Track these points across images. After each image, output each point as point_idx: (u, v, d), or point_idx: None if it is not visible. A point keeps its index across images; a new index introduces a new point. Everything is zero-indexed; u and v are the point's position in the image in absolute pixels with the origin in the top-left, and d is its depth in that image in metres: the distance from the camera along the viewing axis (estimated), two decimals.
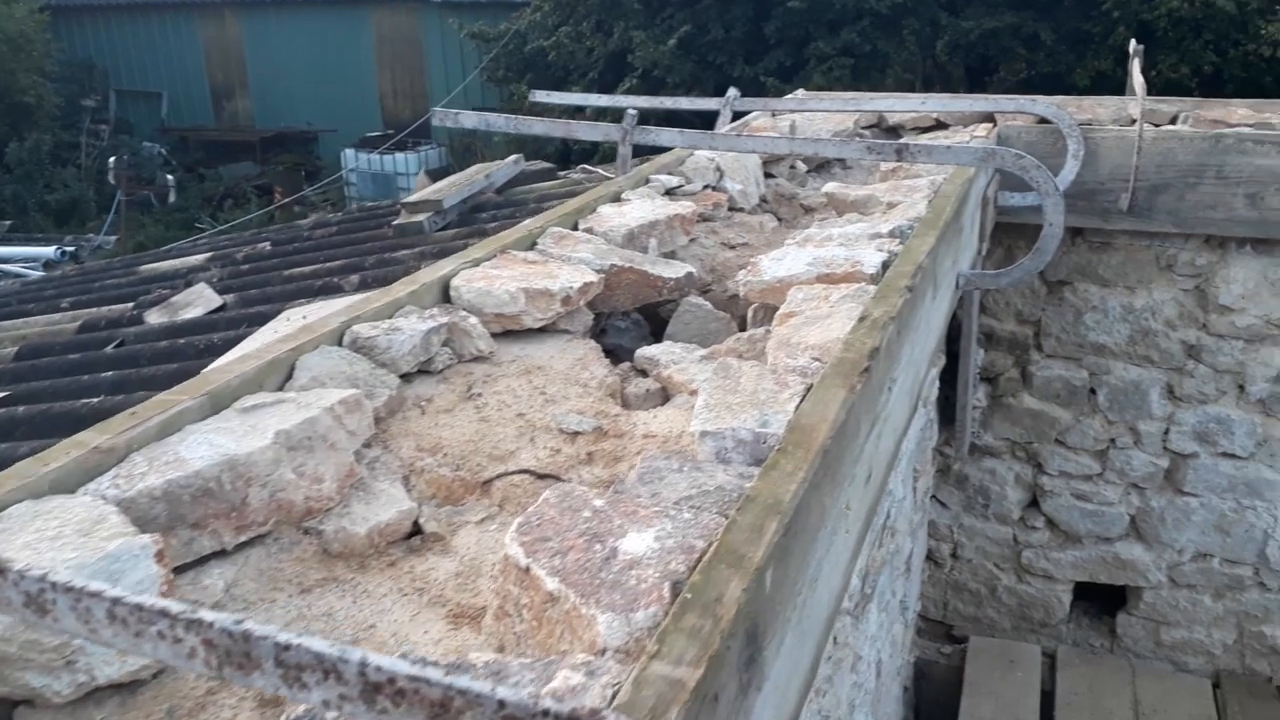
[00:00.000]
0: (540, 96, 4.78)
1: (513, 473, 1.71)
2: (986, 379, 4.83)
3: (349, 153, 17.71)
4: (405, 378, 1.96)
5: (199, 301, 3.86)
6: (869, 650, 2.92)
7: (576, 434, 1.84)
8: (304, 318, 3.06)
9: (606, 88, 13.33)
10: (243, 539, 1.47)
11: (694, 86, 12.80)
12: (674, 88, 12.80)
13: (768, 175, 3.96)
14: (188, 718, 1.17)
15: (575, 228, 2.83)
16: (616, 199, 3.12)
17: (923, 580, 4.92)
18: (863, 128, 4.72)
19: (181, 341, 3.23)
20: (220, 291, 3.88)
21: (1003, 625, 5.12)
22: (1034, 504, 4.96)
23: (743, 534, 1.20)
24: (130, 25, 21.73)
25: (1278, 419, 4.44)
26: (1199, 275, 4.37)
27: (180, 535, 1.42)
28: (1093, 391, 4.67)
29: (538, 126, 3.38)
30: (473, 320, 2.11)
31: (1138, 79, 4.29)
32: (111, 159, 16.51)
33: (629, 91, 12.79)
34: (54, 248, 12.50)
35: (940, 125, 4.67)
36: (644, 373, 2.25)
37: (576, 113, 11.18)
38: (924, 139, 4.34)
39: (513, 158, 5.05)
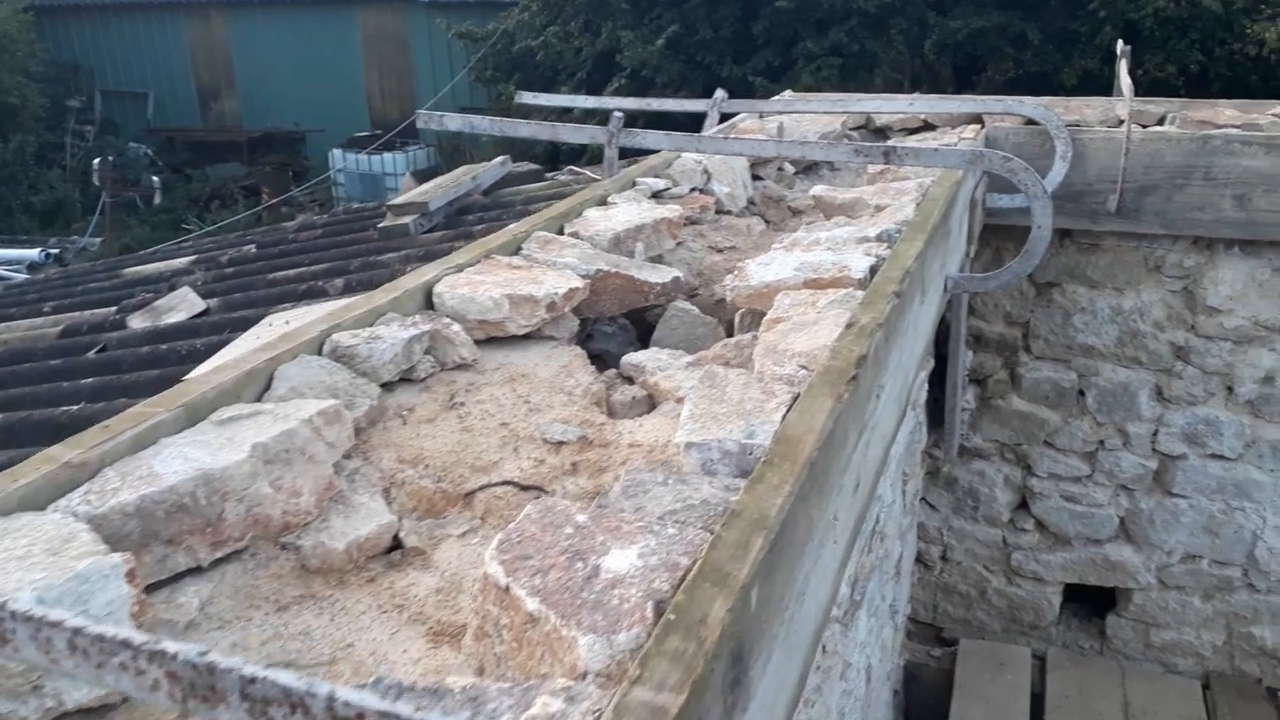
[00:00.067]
0: (527, 98, 4.74)
1: (496, 484, 1.68)
2: (975, 381, 4.81)
3: (336, 153, 17.64)
4: (387, 387, 1.93)
5: (182, 306, 3.83)
6: (858, 657, 2.90)
7: (561, 444, 1.81)
8: (287, 323, 3.03)
9: (595, 88, 13.30)
10: (218, 555, 1.44)
11: (682, 86, 12.78)
12: (662, 87, 12.78)
13: (755, 177, 3.93)
14: None
15: (561, 232, 2.80)
16: (603, 202, 3.09)
17: (912, 583, 4.91)
18: (850, 129, 4.70)
19: (164, 347, 3.20)
20: (204, 295, 3.84)
21: (993, 627, 5.11)
22: (1023, 506, 4.95)
23: (728, 550, 1.17)
24: (115, 25, 21.61)
25: (1266, 420, 4.44)
26: (1187, 277, 4.36)
27: (154, 552, 1.39)
28: (1081, 393, 4.67)
29: (523, 129, 3.35)
30: (456, 327, 2.08)
31: (1125, 80, 4.28)
32: (96, 160, 16.41)
33: (617, 91, 12.76)
34: (38, 250, 12.41)
35: (928, 126, 4.65)
36: (630, 380, 2.22)
37: (564, 114, 11.17)
38: (912, 140, 4.32)
39: (499, 159, 5.01)
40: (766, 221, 3.64)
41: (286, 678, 0.72)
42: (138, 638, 0.82)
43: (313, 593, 1.43)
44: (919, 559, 5.09)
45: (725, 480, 1.47)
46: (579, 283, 2.37)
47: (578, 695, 0.95)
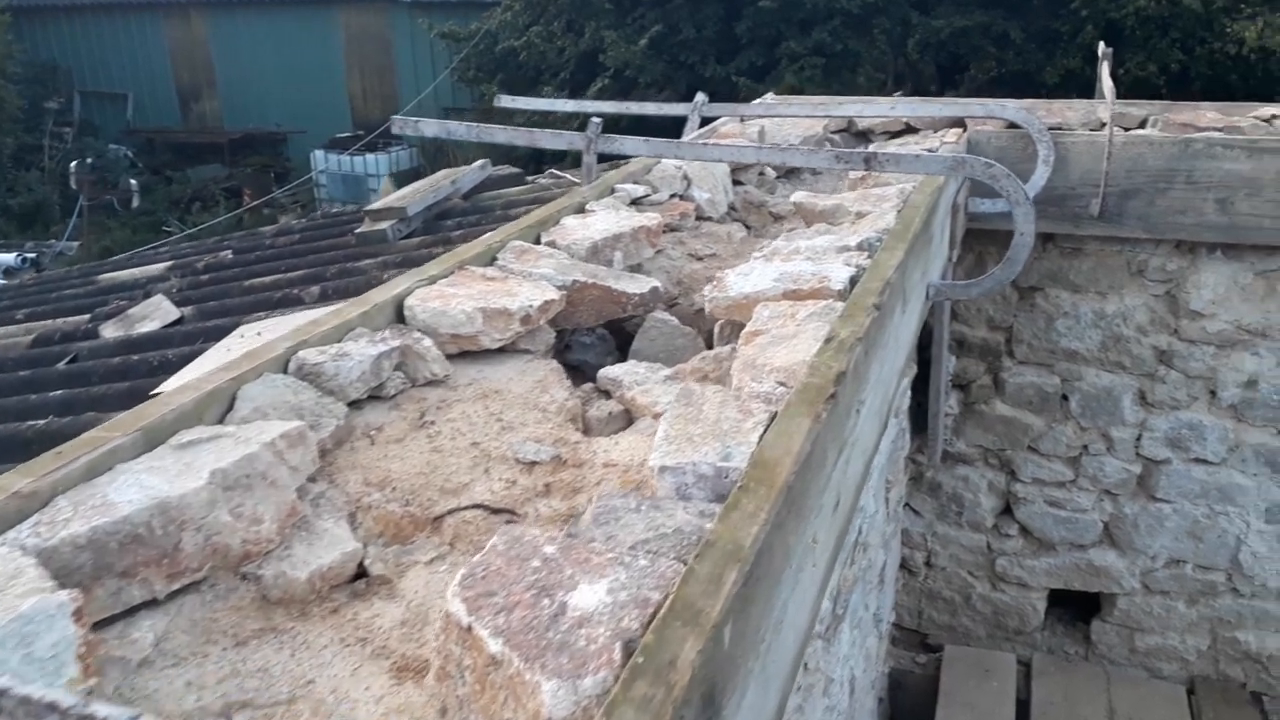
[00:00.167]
0: (505, 102, 4.69)
1: (465, 508, 1.63)
2: (958, 386, 4.79)
3: (318, 154, 17.51)
4: (355, 405, 1.88)
5: (156, 314, 3.77)
6: (841, 671, 2.86)
7: (534, 464, 1.77)
8: (258, 334, 2.97)
9: (578, 88, 13.24)
10: (175, 587, 1.38)
11: (666, 86, 12.74)
12: (646, 88, 12.73)
13: (736, 182, 3.89)
14: None
15: (538, 241, 2.75)
16: (581, 210, 3.05)
17: (897, 589, 4.88)
18: (832, 132, 4.67)
19: (135, 358, 3.14)
20: (179, 303, 3.79)
21: (977, 633, 5.09)
22: (1007, 511, 4.93)
23: (700, 585, 1.13)
24: (94, 26, 21.42)
25: (1249, 425, 4.43)
26: (1170, 281, 4.34)
27: (107, 585, 1.33)
28: (1065, 398, 4.65)
29: (500, 135, 3.30)
30: (427, 342, 2.03)
31: (1107, 83, 4.26)
32: (73, 163, 16.23)
33: (601, 91, 12.70)
34: (14, 254, 12.27)
35: (910, 129, 4.62)
36: (607, 394, 2.18)
37: (546, 115, 11.10)
38: (893, 144, 4.29)
39: (479, 163, 4.96)
40: (747, 227, 3.60)
41: None
42: (65, 700, 0.77)
43: (273, 625, 1.38)
44: (903, 565, 5.06)
45: (700, 505, 1.43)
46: (555, 294, 2.32)
47: None
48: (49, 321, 3.93)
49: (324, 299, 3.49)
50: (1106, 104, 4.16)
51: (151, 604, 1.37)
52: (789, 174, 4.17)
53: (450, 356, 2.11)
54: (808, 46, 12.13)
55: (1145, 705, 4.68)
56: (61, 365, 3.34)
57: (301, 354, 1.85)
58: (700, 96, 4.39)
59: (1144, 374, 4.50)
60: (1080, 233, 4.25)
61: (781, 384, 1.79)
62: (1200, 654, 4.81)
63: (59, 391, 2.91)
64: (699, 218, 3.48)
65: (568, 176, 4.91)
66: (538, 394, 2.04)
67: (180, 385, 1.73)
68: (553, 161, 10.08)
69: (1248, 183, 3.93)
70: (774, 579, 1.35)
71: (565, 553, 1.23)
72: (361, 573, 1.51)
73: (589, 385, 2.21)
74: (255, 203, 16.44)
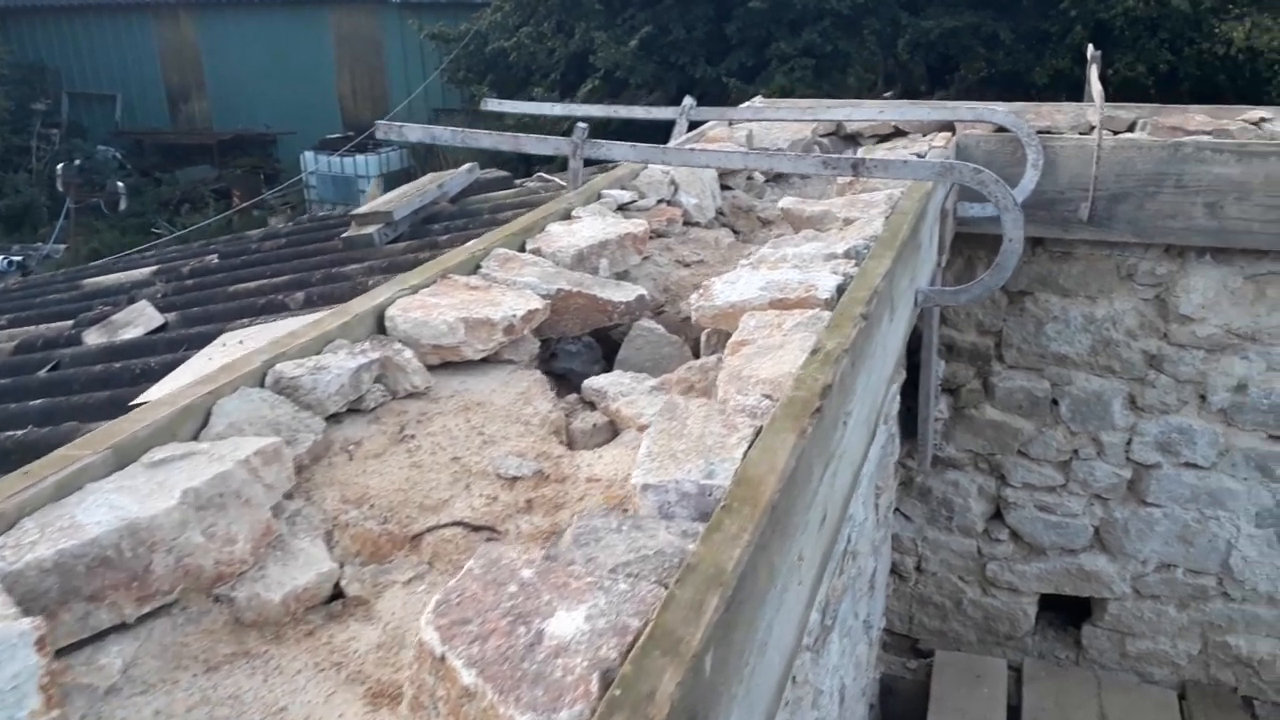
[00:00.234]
0: (492, 105, 4.65)
1: (445, 525, 1.60)
2: (948, 390, 4.77)
3: (309, 155, 17.45)
4: (334, 418, 1.85)
5: (140, 320, 3.73)
6: (830, 681, 2.84)
7: (515, 479, 1.74)
8: (240, 343, 2.94)
9: (569, 89, 13.21)
10: (145, 610, 1.35)
11: (656, 87, 12.71)
12: (636, 89, 12.70)
13: (724, 187, 3.86)
14: None
15: (523, 248, 2.72)
16: (566, 216, 3.02)
17: (887, 595, 4.86)
18: (821, 135, 4.64)
19: (117, 365, 3.11)
20: (163, 308, 3.76)
21: (968, 638, 5.07)
22: (998, 516, 4.91)
23: (681, 612, 1.10)
24: (82, 27, 21.31)
25: (1239, 429, 4.42)
26: (1159, 285, 4.33)
27: (75, 609, 1.30)
28: (1055, 402, 4.63)
29: (484, 140, 3.27)
30: (408, 354, 2.00)
31: (1095, 86, 4.24)
32: (60, 166, 16.14)
33: (591, 92, 12.67)
34: (1, 257, 12.19)
35: (900, 133, 4.60)
36: (592, 405, 2.15)
37: (535, 118, 11.07)
38: (882, 148, 4.27)
39: (466, 166, 4.93)
40: (735, 232, 3.57)
41: None
42: None
43: (246, 649, 1.35)
44: (894, 570, 5.05)
45: (683, 525, 1.40)
46: (539, 303, 2.29)
47: None
48: (32, 327, 3.90)
49: (309, 305, 3.46)
50: (1095, 107, 4.14)
51: (121, 628, 1.34)
52: (777, 178, 4.15)
53: (432, 368, 2.08)
54: (798, 47, 12.12)
55: (1136, 710, 4.67)
56: (43, 373, 3.30)
57: (279, 367, 1.82)
58: (688, 100, 4.36)
59: (1134, 378, 4.49)
60: (1069, 237, 4.24)
61: (767, 396, 1.76)
62: (1191, 658, 4.80)
63: (39, 400, 2.88)
64: (686, 223, 3.45)
65: (556, 180, 4.88)
66: (521, 406, 2.01)
67: (154, 400, 1.70)
68: (542, 164, 10.05)
69: (1237, 187, 3.92)
70: (758, 600, 1.32)
71: (543, 577, 1.20)
72: (338, 593, 1.48)
73: (573, 396, 2.18)
74: (245, 204, 16.37)
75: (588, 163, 3.50)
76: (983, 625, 5.06)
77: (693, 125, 4.41)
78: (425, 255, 3.60)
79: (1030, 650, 5.03)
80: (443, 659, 1.06)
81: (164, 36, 21.12)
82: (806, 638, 2.39)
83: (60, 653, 1.26)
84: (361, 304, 2.14)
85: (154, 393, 2.59)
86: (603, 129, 11.00)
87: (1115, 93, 9.27)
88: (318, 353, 1.92)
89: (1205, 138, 4.08)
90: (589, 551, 1.30)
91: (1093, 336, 4.47)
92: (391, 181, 14.18)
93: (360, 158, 16.84)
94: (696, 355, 2.46)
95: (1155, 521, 4.65)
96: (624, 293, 2.55)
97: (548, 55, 13.47)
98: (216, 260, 4.58)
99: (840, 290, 2.25)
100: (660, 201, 3.47)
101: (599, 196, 3.28)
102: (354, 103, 20.04)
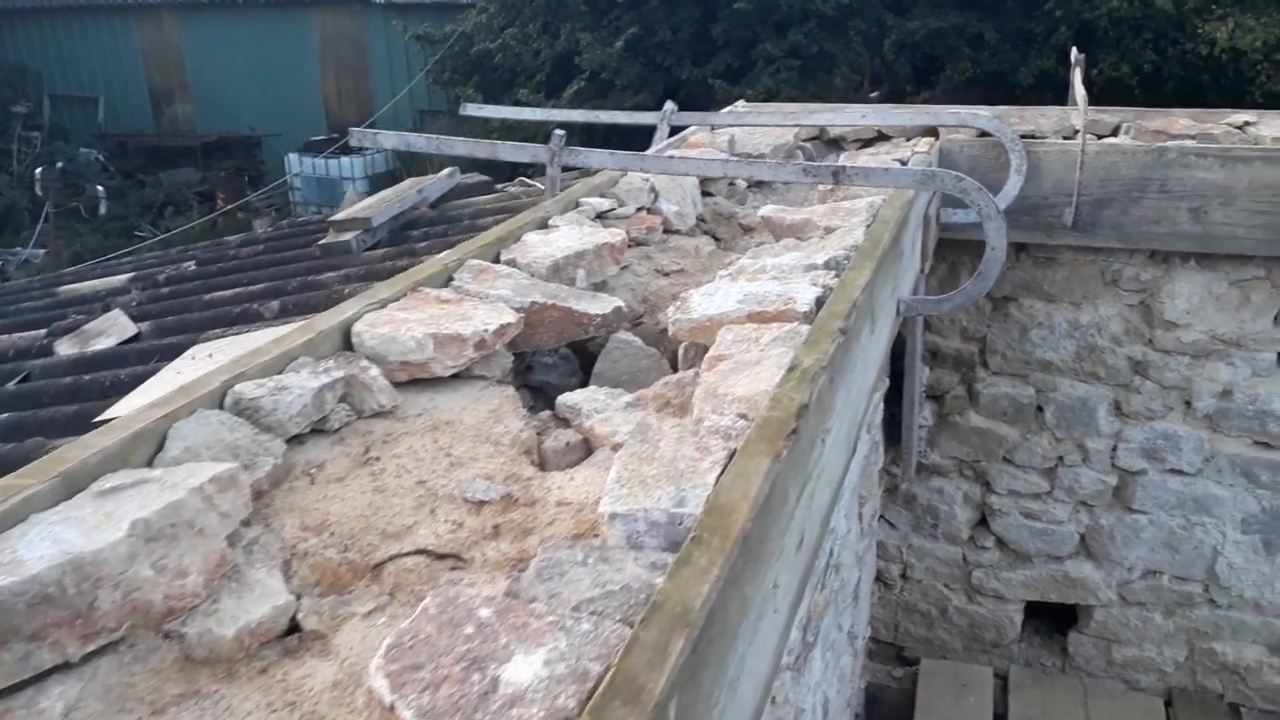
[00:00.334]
0: (472, 110, 4.60)
1: (407, 554, 1.55)
2: (932, 397, 4.73)
3: (293, 157, 17.35)
4: (297, 439, 1.79)
5: (112, 330, 3.68)
6: (813, 698, 2.79)
7: (483, 503, 1.69)
8: (209, 355, 2.89)
9: (554, 90, 13.15)
10: (90, 649, 1.29)
11: (642, 88, 12.67)
12: (622, 90, 12.66)
13: (706, 193, 3.82)
14: None
15: (498, 259, 2.67)
16: (543, 225, 2.96)
17: (872, 603, 4.82)
18: (804, 140, 4.60)
19: (87, 378, 3.06)
20: (138, 317, 3.71)
21: (954, 646, 5.04)
22: (983, 523, 4.88)
23: (644, 656, 1.05)
24: (64, 28, 21.15)
25: (1224, 435, 4.39)
26: (1144, 290, 4.30)
27: (14, 649, 1.24)
28: (1040, 409, 4.60)
29: (460, 147, 3.21)
30: (374, 372, 1.94)
31: (1079, 90, 4.21)
32: (39, 170, 15.99)
33: (577, 94, 12.62)
34: None
35: (883, 137, 4.56)
36: (566, 422, 2.10)
37: (521, 121, 10.97)
38: (865, 153, 4.23)
39: (446, 171, 4.88)
40: (716, 240, 3.52)
41: None
42: None
43: (196, 689, 1.30)
44: (879, 578, 5.01)
45: (652, 555, 1.35)
46: (512, 317, 2.24)
47: None
48: (4, 336, 3.84)
49: (283, 314, 3.41)
50: (1079, 111, 4.11)
51: (64, 668, 1.28)
52: (760, 184, 4.10)
53: (400, 385, 2.02)
54: (783, 49, 12.10)
55: (1123, 717, 4.65)
56: (12, 385, 3.24)
57: (239, 388, 1.76)
58: (669, 105, 4.31)
59: (1119, 384, 4.46)
60: (1054, 242, 4.20)
61: (742, 416, 1.71)
62: (1178, 665, 4.77)
63: (6, 414, 2.82)
64: (667, 231, 3.40)
65: (537, 185, 4.83)
66: (491, 425, 1.96)
67: (107, 425, 1.64)
68: (525, 168, 10.00)
69: (1221, 192, 3.89)
70: (729, 636, 1.27)
71: (502, 616, 1.15)
72: (295, 626, 1.43)
73: (546, 414, 2.12)
74: (229, 207, 16.27)
75: (568, 169, 3.45)
76: (968, 633, 5.02)
77: (674, 130, 4.36)
78: (403, 263, 3.55)
79: (1016, 658, 5.00)
80: (392, 709, 1.01)
81: (147, 38, 20.98)
82: (787, 657, 2.34)
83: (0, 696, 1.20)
84: (327, 320, 2.08)
85: (119, 409, 2.53)
86: (589, 132, 10.96)
87: (1100, 93, 9.28)
88: (280, 372, 1.87)
89: (1189, 142, 4.06)
90: (552, 587, 1.25)
91: (1078, 342, 4.44)
92: (377, 184, 14.11)
93: (345, 160, 16.75)
94: (675, 368, 2.41)
95: (1141, 528, 4.62)
96: (600, 304, 2.50)
97: (533, 57, 13.41)
98: (194, 267, 4.52)
99: (819, 303, 2.21)
100: (640, 209, 3.42)
101: (577, 205, 3.23)
102: (339, 105, 19.95)
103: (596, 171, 3.63)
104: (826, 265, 2.47)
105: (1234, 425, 4.37)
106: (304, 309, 3.33)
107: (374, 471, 1.74)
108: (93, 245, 14.84)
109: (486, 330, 2.13)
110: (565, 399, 2.12)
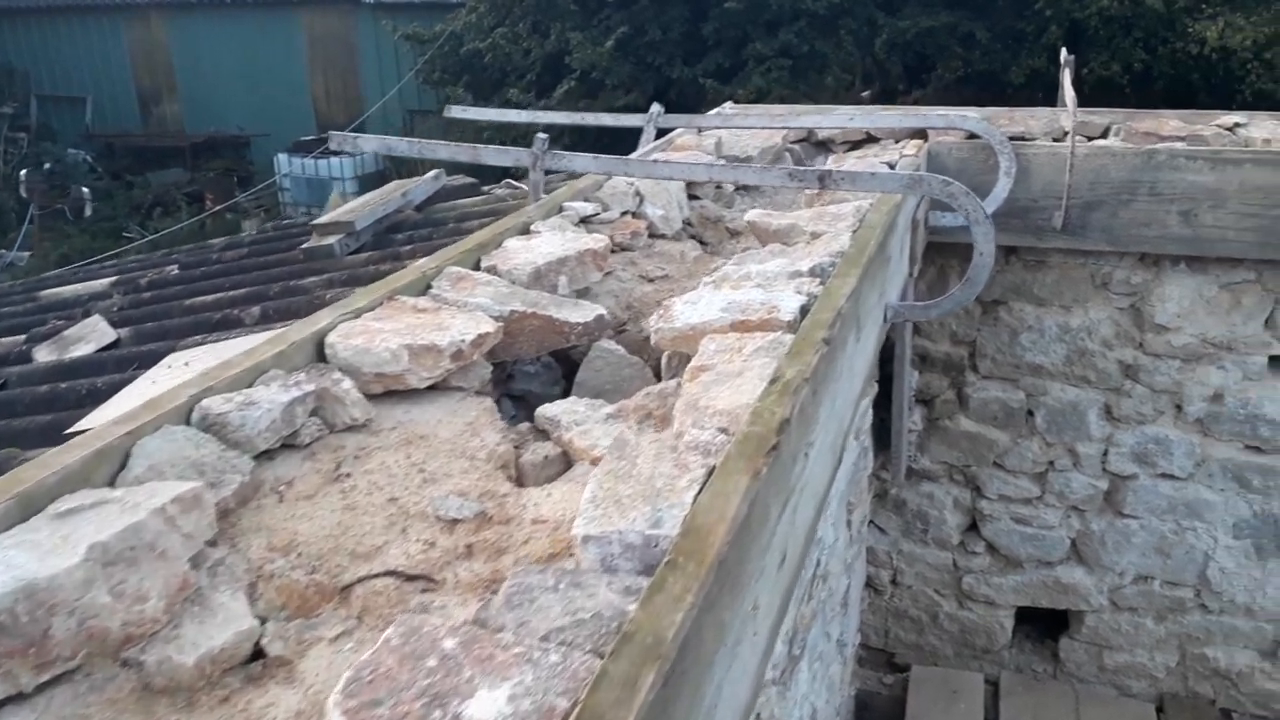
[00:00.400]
0: (456, 113, 4.55)
1: (377, 575, 1.50)
2: (922, 401, 4.70)
3: (282, 157, 17.28)
4: (266, 455, 1.74)
5: (92, 336, 3.63)
6: (800, 711, 2.75)
7: (456, 521, 1.64)
8: (186, 364, 2.84)
9: (544, 89, 13.10)
10: (45, 678, 1.25)
11: (633, 88, 12.62)
12: (613, 90, 12.61)
13: (692, 197, 3.78)
14: None
15: (478, 266, 2.62)
16: (525, 231, 2.92)
17: (862, 609, 4.78)
18: (792, 142, 4.56)
19: (63, 386, 3.00)
20: (118, 323, 3.65)
21: (945, 652, 5.01)
22: (973, 528, 4.85)
23: (613, 691, 1.01)
24: (51, 28, 21.04)
25: (1215, 439, 4.37)
26: (1134, 294, 4.27)
27: None
28: (1030, 413, 4.57)
29: (442, 151, 3.17)
30: (346, 384, 1.90)
31: (1069, 92, 4.18)
32: (24, 171, 15.89)
33: (568, 94, 12.56)
34: None
35: (872, 139, 4.52)
36: (545, 434, 2.05)
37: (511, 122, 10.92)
38: (854, 155, 4.19)
39: (432, 173, 4.83)
40: (703, 244, 3.48)
41: None
42: None
43: (154, 719, 1.25)
44: (869, 583, 4.97)
45: (626, 580, 1.31)
46: (490, 327, 2.19)
47: None
48: None
49: (264, 320, 3.36)
50: (1069, 113, 4.08)
51: (17, 699, 1.24)
52: (747, 187, 4.06)
53: (374, 397, 1.98)
54: (774, 48, 12.06)
55: None
56: None
57: (206, 402, 1.72)
58: (655, 108, 4.27)
59: (1109, 388, 4.43)
60: (1043, 245, 4.17)
61: (723, 430, 1.67)
62: (1169, 671, 4.75)
63: None
64: (652, 235, 3.36)
65: (523, 187, 4.78)
66: (467, 438, 1.92)
67: (68, 443, 1.59)
68: (513, 170, 9.94)
69: (1211, 194, 3.86)
70: (704, 665, 1.23)
71: (467, 648, 1.10)
72: (259, 652, 1.38)
73: (526, 425, 2.08)
74: (218, 208, 16.18)
75: (552, 172, 3.41)
76: (959, 639, 4.99)
77: (661, 132, 4.32)
78: (387, 267, 3.50)
79: (1007, 664, 4.97)
80: None
81: (134, 38, 20.88)
82: (771, 672, 2.30)
83: None
84: (299, 331, 2.03)
85: (92, 419, 2.48)
86: (579, 133, 10.91)
87: (1090, 92, 9.27)
88: (249, 385, 1.82)
89: (1179, 144, 4.02)
90: (521, 615, 1.21)
91: (1068, 346, 4.41)
92: (367, 184, 14.03)
93: (335, 160, 16.69)
94: (658, 376, 2.37)
95: (1132, 533, 4.59)
96: (582, 313, 2.45)
97: (523, 56, 13.35)
98: (176, 271, 4.47)
99: (804, 311, 2.16)
100: (625, 213, 3.37)
101: (561, 209, 3.18)
102: (328, 105, 19.87)
103: (582, 175, 3.58)
104: (812, 272, 2.43)
105: (1225, 429, 4.35)
106: (285, 315, 3.28)
107: (344, 489, 1.70)
108: (80, 247, 14.75)
109: (464, 340, 2.09)
110: (544, 410, 2.07)
